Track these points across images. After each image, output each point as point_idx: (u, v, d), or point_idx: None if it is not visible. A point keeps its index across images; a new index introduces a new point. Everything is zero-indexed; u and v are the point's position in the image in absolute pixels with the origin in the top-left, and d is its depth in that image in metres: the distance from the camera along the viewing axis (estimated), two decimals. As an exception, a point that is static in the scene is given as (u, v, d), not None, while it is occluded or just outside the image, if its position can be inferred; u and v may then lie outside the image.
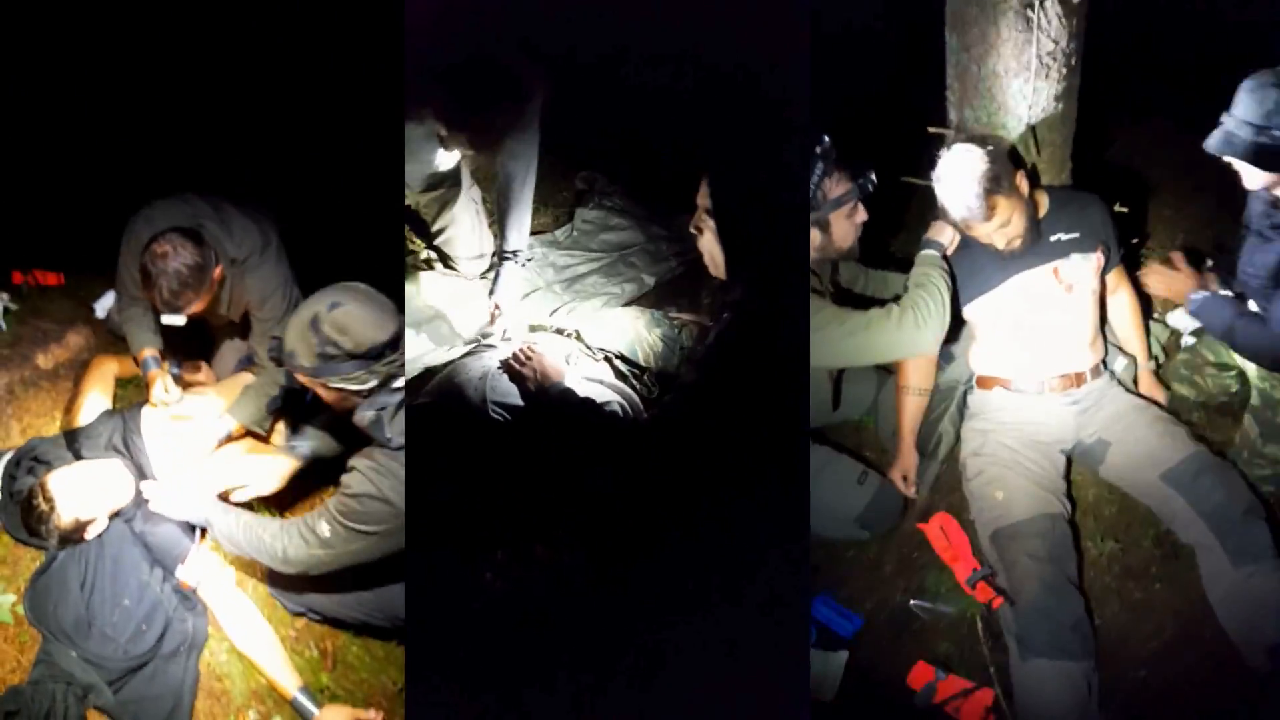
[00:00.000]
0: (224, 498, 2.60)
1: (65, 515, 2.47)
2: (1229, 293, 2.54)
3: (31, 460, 2.66)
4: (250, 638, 2.55)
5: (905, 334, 2.49)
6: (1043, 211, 2.62)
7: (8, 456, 2.67)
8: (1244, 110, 2.18)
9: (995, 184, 2.42)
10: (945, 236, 2.64)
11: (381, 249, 3.04)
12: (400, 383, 2.28)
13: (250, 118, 3.34)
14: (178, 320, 2.66)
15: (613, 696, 2.30)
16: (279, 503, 2.86)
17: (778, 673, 2.32)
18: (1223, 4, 3.22)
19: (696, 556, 2.47)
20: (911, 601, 2.67)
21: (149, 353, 2.85)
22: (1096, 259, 2.63)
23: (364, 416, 2.25)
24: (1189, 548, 2.55)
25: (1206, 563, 2.44)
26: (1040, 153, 2.64)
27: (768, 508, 2.45)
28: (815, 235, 2.55)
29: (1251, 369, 2.56)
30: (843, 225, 2.56)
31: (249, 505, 2.61)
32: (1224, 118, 2.23)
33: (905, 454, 2.84)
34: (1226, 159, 2.25)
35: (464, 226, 3.28)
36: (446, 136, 2.70)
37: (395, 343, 2.21)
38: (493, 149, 2.72)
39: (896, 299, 2.57)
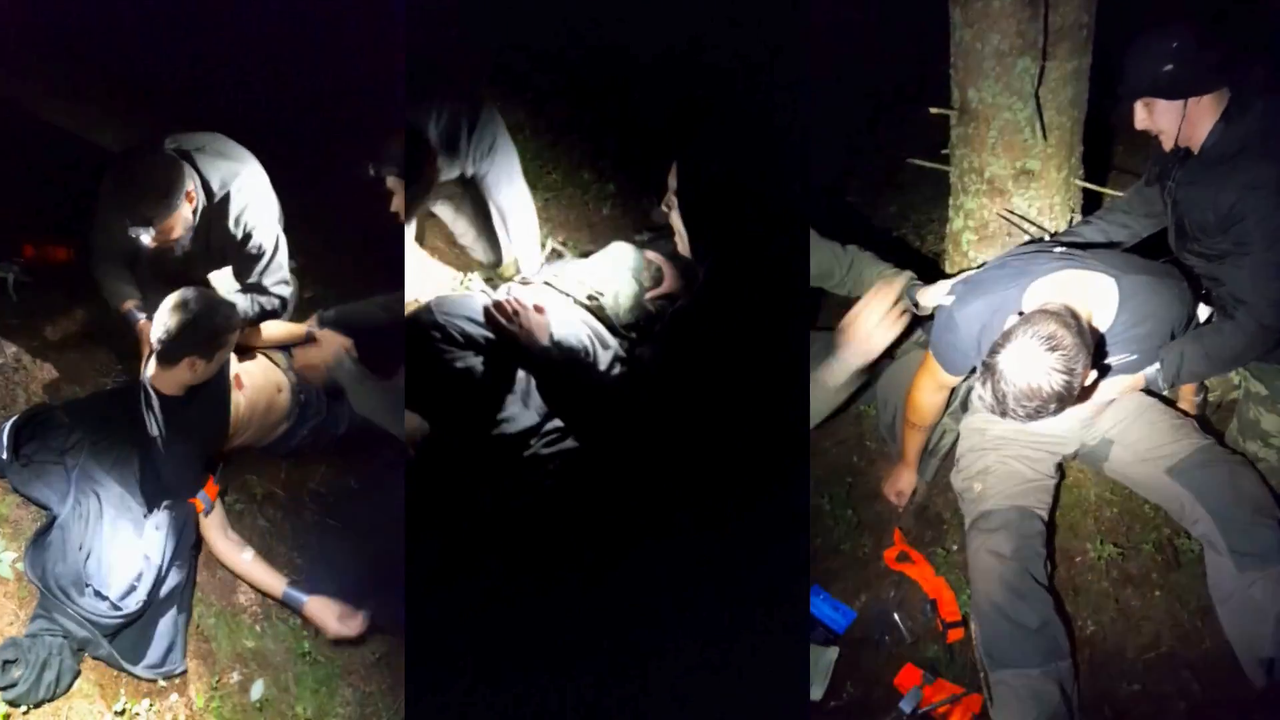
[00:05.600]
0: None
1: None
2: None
3: (34, 425, 2.73)
4: (235, 552, 2.72)
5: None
6: (1106, 326, 2.26)
7: (12, 420, 2.74)
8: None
9: (1068, 392, 2.06)
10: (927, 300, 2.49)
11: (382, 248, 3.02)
12: None
13: (251, 113, 3.32)
14: (146, 235, 2.63)
15: (609, 691, 2.34)
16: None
17: (776, 667, 2.32)
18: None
19: (695, 551, 2.47)
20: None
21: (131, 304, 2.84)
22: (1141, 377, 2.36)
23: None
24: (1191, 556, 2.47)
25: (1213, 562, 2.33)
26: (1047, 137, 2.48)
27: (766, 500, 2.41)
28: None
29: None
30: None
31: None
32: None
33: (904, 475, 2.76)
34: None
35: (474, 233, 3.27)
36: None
37: None
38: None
39: None
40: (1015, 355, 2.06)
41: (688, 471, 2.42)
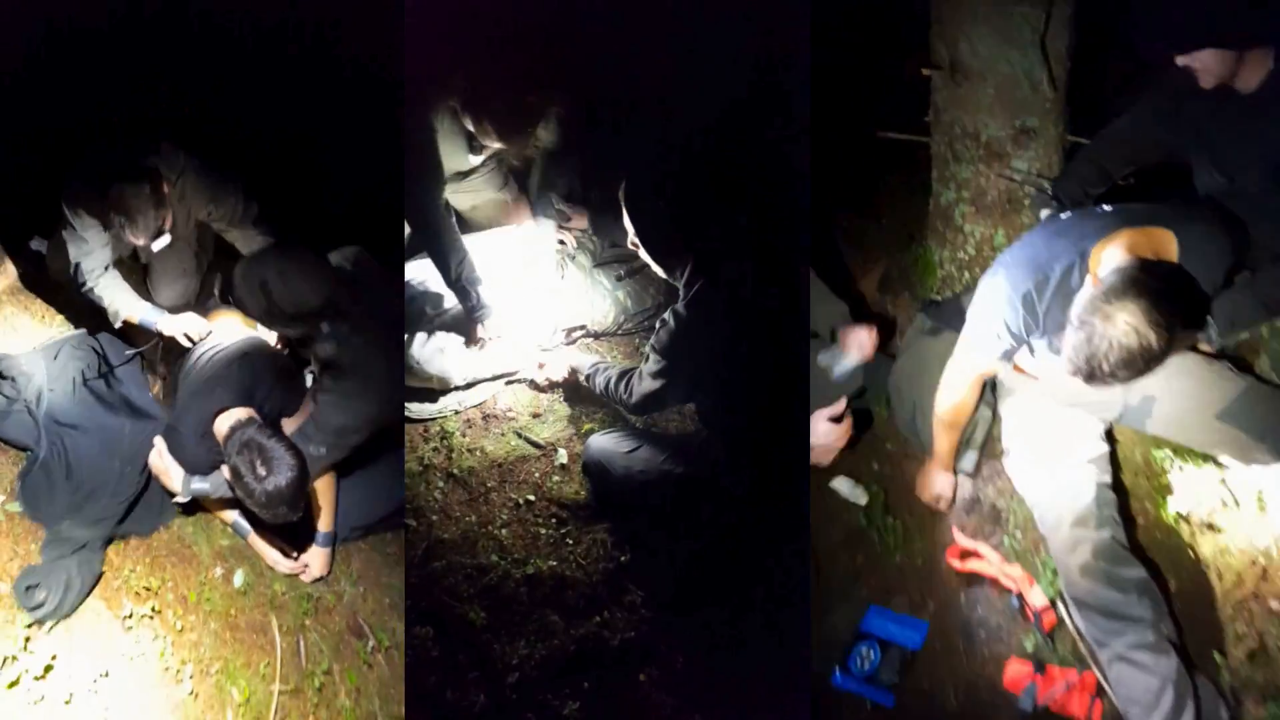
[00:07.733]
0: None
1: None
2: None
3: None
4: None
5: None
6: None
7: None
8: None
9: (1170, 347, 1.93)
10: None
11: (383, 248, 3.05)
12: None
13: (249, 113, 3.38)
14: (164, 242, 2.83)
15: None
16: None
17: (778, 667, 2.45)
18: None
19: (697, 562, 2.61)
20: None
21: (139, 313, 2.97)
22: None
23: (324, 349, 2.60)
24: (1251, 494, 2.41)
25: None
26: (1057, 89, 2.40)
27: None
28: None
29: None
30: None
31: None
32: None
33: (939, 476, 2.61)
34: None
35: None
36: (475, 131, 2.76)
37: (329, 303, 2.55)
38: (524, 137, 2.72)
39: None
40: (1120, 315, 1.92)
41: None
